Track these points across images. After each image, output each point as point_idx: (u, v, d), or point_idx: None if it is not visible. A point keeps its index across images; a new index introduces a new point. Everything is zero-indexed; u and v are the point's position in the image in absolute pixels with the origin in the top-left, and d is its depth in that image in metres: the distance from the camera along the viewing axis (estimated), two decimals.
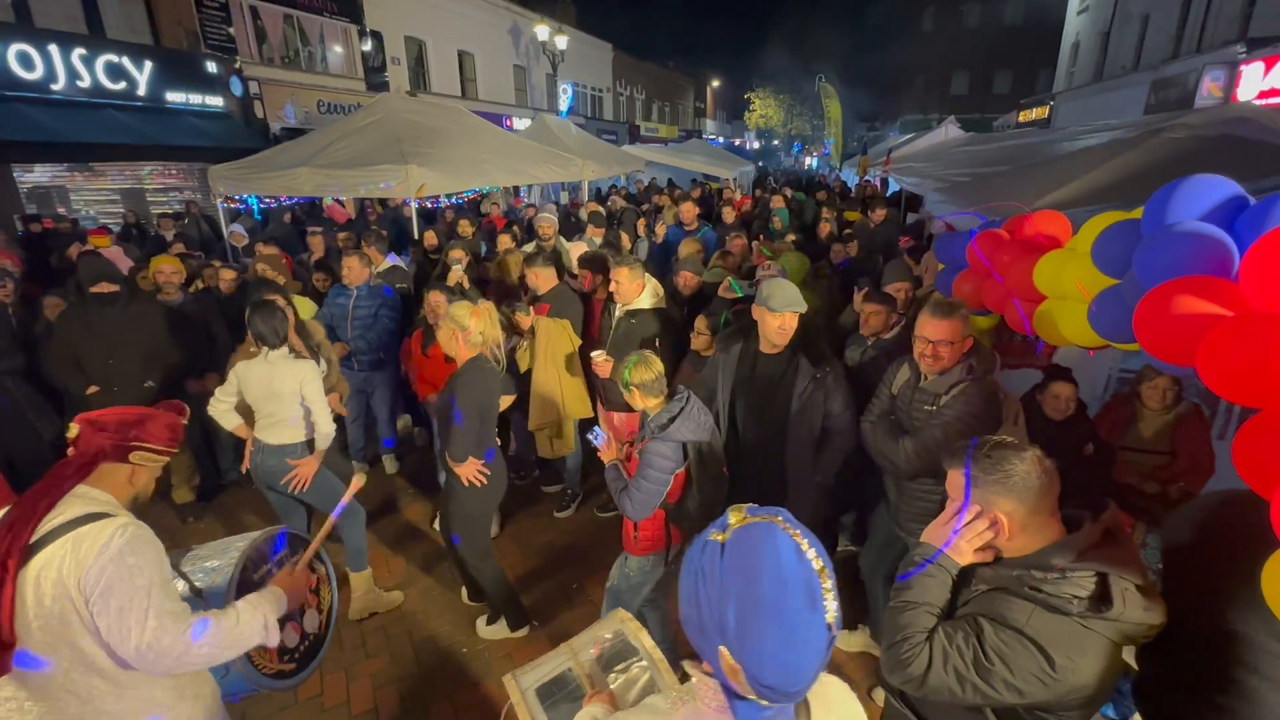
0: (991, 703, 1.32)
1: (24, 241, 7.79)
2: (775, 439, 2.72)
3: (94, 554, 1.37)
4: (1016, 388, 3.43)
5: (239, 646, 1.58)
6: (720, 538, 0.86)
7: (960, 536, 1.38)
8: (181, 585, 1.77)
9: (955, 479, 1.40)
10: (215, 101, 12.61)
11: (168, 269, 4.38)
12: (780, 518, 0.87)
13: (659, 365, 2.40)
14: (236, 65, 12.93)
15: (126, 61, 11.00)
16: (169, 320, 4.07)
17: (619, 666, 1.69)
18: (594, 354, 3.43)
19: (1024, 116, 22.52)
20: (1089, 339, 2.09)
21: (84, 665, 1.43)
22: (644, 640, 1.72)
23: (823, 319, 3.97)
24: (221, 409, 3.08)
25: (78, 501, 1.47)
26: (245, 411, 3.14)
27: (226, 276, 4.80)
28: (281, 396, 3.01)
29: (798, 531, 0.85)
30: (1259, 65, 11.54)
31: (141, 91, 11.27)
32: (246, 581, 1.87)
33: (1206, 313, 1.47)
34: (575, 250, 5.34)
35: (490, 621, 3.23)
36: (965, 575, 1.41)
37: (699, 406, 2.38)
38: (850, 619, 3.23)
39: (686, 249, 5.21)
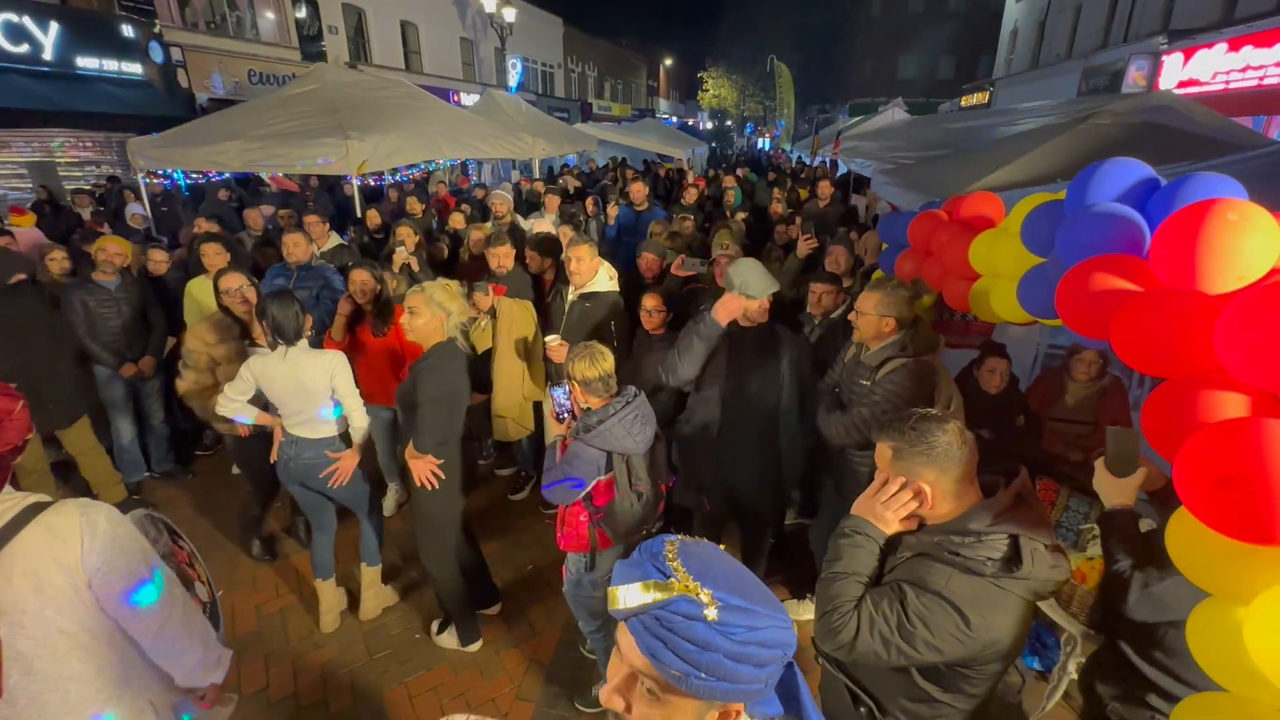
0: (914, 663, 1.39)
1: None
2: (766, 409, 2.78)
3: (80, 535, 1.40)
4: (954, 366, 3.58)
5: (195, 633, 1.64)
6: (709, 609, 0.73)
7: (886, 507, 1.44)
8: None
9: (883, 451, 1.46)
10: (133, 68, 11.75)
11: (112, 248, 4.08)
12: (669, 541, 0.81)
13: (607, 362, 2.24)
14: (155, 29, 12.04)
15: (29, 21, 10.10)
16: (39, 310, 3.71)
17: None
18: (548, 338, 3.38)
19: (966, 101, 23.24)
20: (1019, 315, 2.19)
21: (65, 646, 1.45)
22: None
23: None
24: (235, 407, 2.81)
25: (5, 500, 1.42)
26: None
27: (156, 258, 4.54)
28: (312, 392, 2.77)
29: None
30: (1179, 56, 12.21)
31: (48, 55, 10.39)
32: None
33: (1119, 289, 1.56)
34: (538, 227, 5.20)
35: (441, 629, 3.11)
36: (893, 543, 1.48)
37: (640, 415, 2.22)
38: (800, 589, 3.35)
39: (657, 230, 5.16)
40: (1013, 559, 1.33)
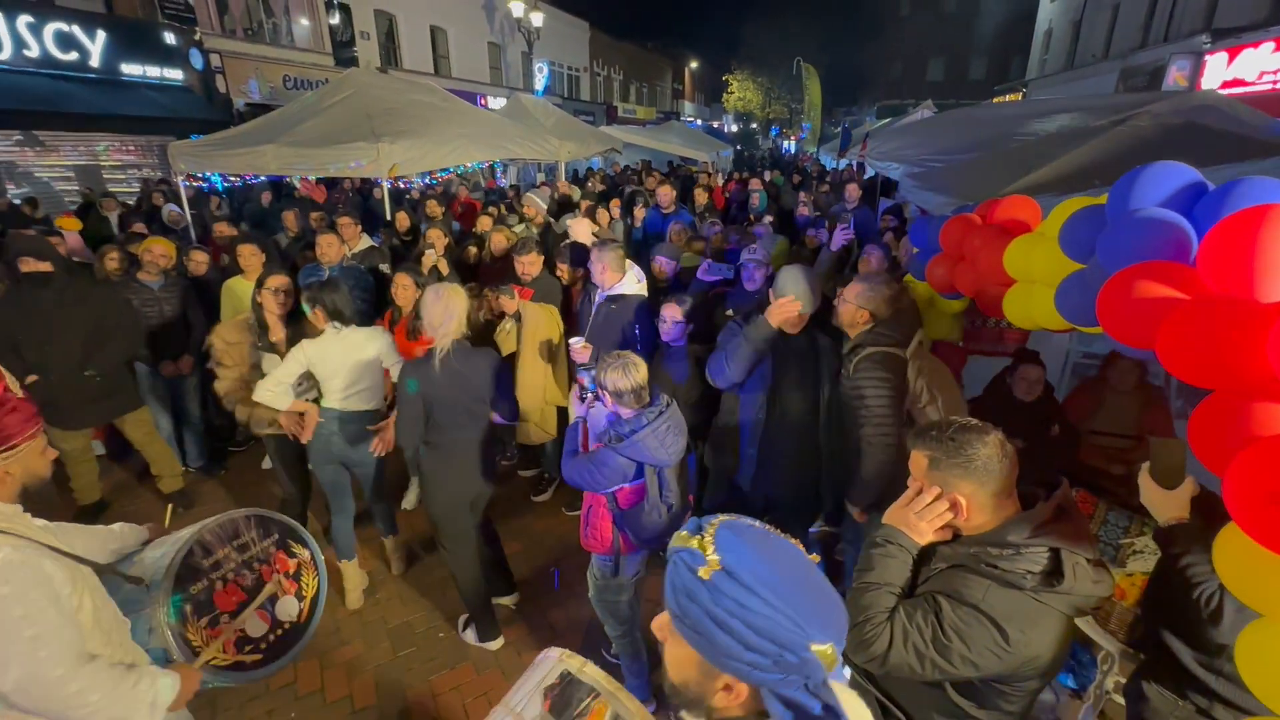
0: (949, 678, 1.36)
1: None
2: (806, 417, 2.80)
3: None
4: (988, 374, 3.51)
5: (121, 711, 1.42)
6: (707, 567, 0.79)
7: (920, 517, 1.41)
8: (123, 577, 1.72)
9: (918, 459, 1.43)
10: (174, 74, 12.11)
11: (157, 249, 4.25)
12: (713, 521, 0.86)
13: (640, 373, 2.20)
14: (196, 36, 12.40)
15: (78, 30, 10.49)
16: (121, 304, 3.89)
17: (577, 711, 1.58)
18: (572, 340, 3.39)
19: (997, 102, 22.81)
20: (1056, 322, 2.13)
21: None
22: (591, 672, 1.63)
23: None
24: (279, 391, 2.98)
25: None
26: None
27: (197, 258, 4.68)
28: (368, 364, 3.09)
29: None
30: (1222, 55, 11.82)
31: (95, 62, 10.77)
32: (194, 568, 1.80)
33: (1165, 296, 1.50)
34: (578, 227, 5.19)
35: (465, 626, 3.18)
36: (926, 553, 1.45)
37: (672, 425, 2.19)
38: None
39: (677, 233, 5.16)
40: (1054, 573, 1.29)
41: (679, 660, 0.85)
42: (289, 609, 2.00)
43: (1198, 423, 1.36)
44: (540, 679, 1.65)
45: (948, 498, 1.38)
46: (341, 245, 4.44)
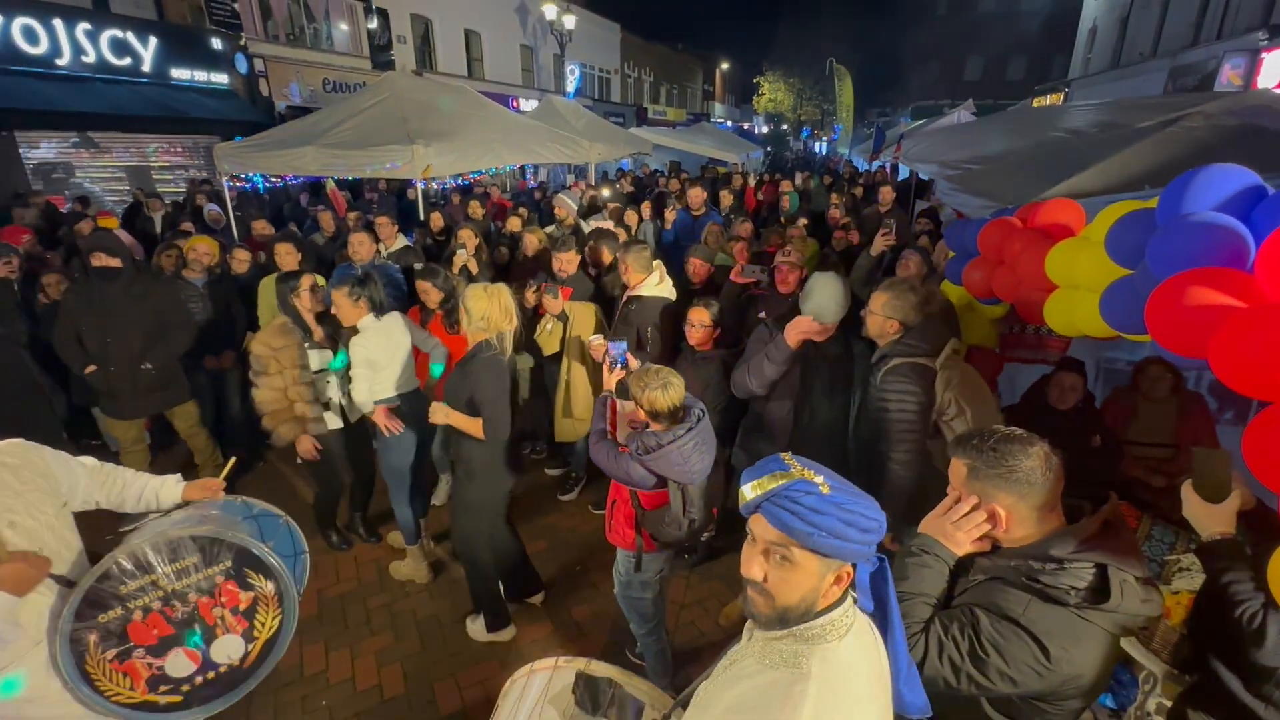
0: (986, 693, 1.32)
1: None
2: (837, 425, 2.76)
3: None
4: (1027, 382, 3.41)
5: None
6: (822, 487, 1.03)
7: (957, 528, 1.37)
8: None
9: (958, 468, 1.39)
10: (220, 78, 12.53)
11: (201, 248, 4.43)
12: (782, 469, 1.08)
13: (678, 392, 2.16)
14: (241, 42, 12.81)
15: (131, 37, 10.92)
16: (177, 300, 4.05)
17: (608, 701, 1.60)
18: (591, 338, 3.38)
19: (1038, 103, 22.18)
20: (1100, 329, 2.07)
21: None
22: (599, 667, 1.64)
23: None
24: (380, 387, 3.23)
25: None
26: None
27: (240, 257, 4.82)
28: (409, 351, 3.33)
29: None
30: None
31: (146, 68, 11.21)
32: (108, 594, 1.62)
33: (1220, 304, 1.45)
34: (605, 229, 5.21)
35: (472, 620, 3.17)
36: (964, 564, 1.41)
37: (699, 443, 2.15)
38: None
39: (714, 234, 5.13)
40: (1100, 590, 1.25)
41: (794, 581, 1.04)
42: (230, 650, 1.77)
43: (1254, 437, 1.30)
44: (542, 689, 1.63)
45: (986, 509, 1.34)
46: (374, 244, 4.52)
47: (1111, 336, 2.20)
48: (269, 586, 1.80)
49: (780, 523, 1.02)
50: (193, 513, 1.88)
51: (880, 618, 1.16)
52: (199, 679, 1.73)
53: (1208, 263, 1.57)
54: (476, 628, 3.14)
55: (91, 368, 3.70)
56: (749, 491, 1.06)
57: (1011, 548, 1.36)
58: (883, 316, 2.51)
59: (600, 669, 1.64)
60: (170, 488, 1.95)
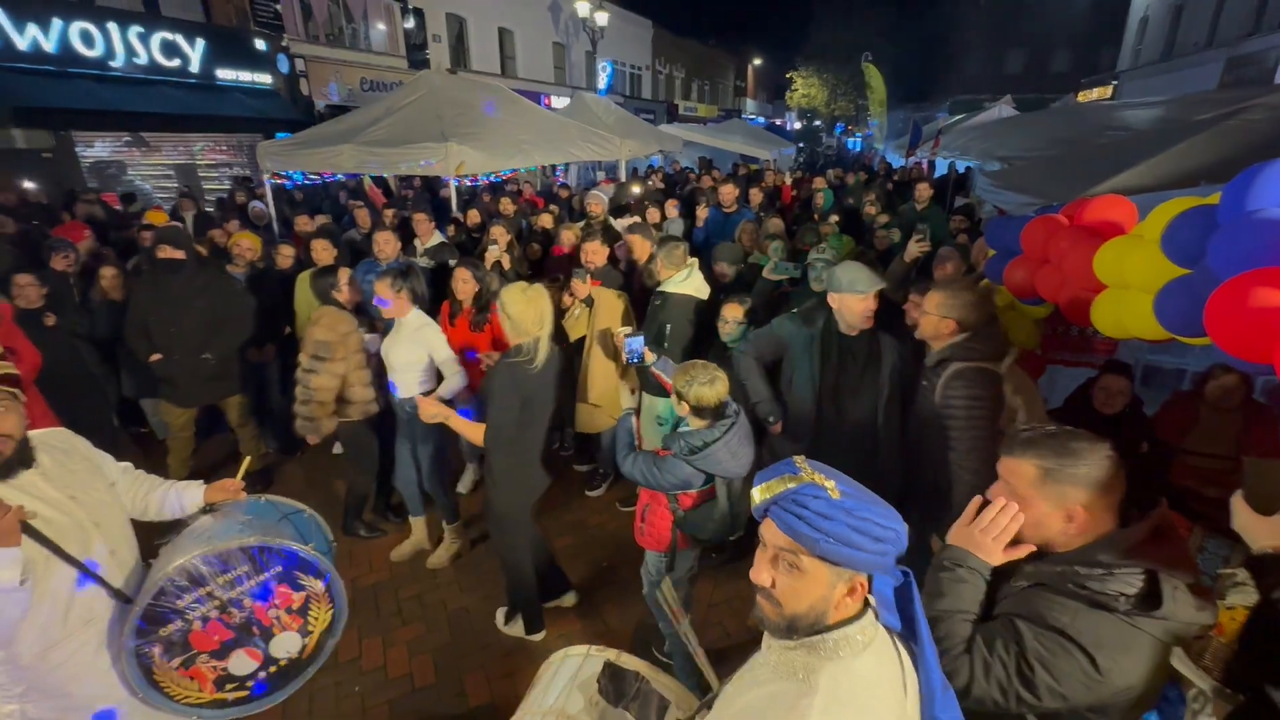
0: (1034, 710, 1.27)
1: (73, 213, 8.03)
2: (864, 420, 2.69)
3: None
4: (1071, 385, 3.30)
5: None
6: (832, 492, 0.99)
7: (986, 534, 1.32)
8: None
9: (1026, 470, 1.32)
10: (263, 78, 12.87)
11: (244, 243, 4.57)
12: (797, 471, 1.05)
13: (724, 387, 2.16)
14: (283, 43, 13.15)
15: (180, 39, 11.30)
16: (236, 293, 4.19)
17: (633, 693, 1.60)
18: (617, 330, 3.36)
19: (1084, 97, 21.43)
20: (1153, 331, 1.98)
21: None
22: (629, 660, 1.65)
23: None
24: (451, 383, 3.40)
25: None
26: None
27: (284, 253, 4.95)
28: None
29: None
30: None
31: (194, 69, 11.59)
32: (166, 610, 1.70)
33: None
34: (625, 225, 5.23)
35: (508, 620, 3.18)
36: (1004, 570, 1.36)
37: (743, 436, 2.17)
38: None
39: (749, 233, 5.10)
40: (1150, 596, 1.20)
41: (802, 589, 1.00)
42: (288, 645, 1.89)
43: None
44: (572, 674, 1.66)
45: (1066, 510, 1.28)
46: (398, 243, 4.58)
47: (1163, 339, 2.11)
48: (318, 584, 1.89)
49: (787, 527, 0.98)
50: (225, 519, 1.91)
51: (909, 635, 1.10)
52: (262, 674, 1.84)
53: (1273, 262, 1.48)
54: (512, 627, 3.14)
55: (156, 356, 3.86)
56: (758, 495, 1.04)
57: (1058, 554, 1.31)
58: (938, 316, 2.40)
59: (630, 662, 1.65)
60: (193, 492, 2.00)
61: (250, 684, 1.84)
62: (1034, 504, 1.30)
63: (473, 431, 2.63)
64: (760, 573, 1.04)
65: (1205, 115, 3.97)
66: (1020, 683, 1.23)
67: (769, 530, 1.03)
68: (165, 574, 1.69)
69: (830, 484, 0.99)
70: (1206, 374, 3.08)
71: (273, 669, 1.87)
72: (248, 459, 2.21)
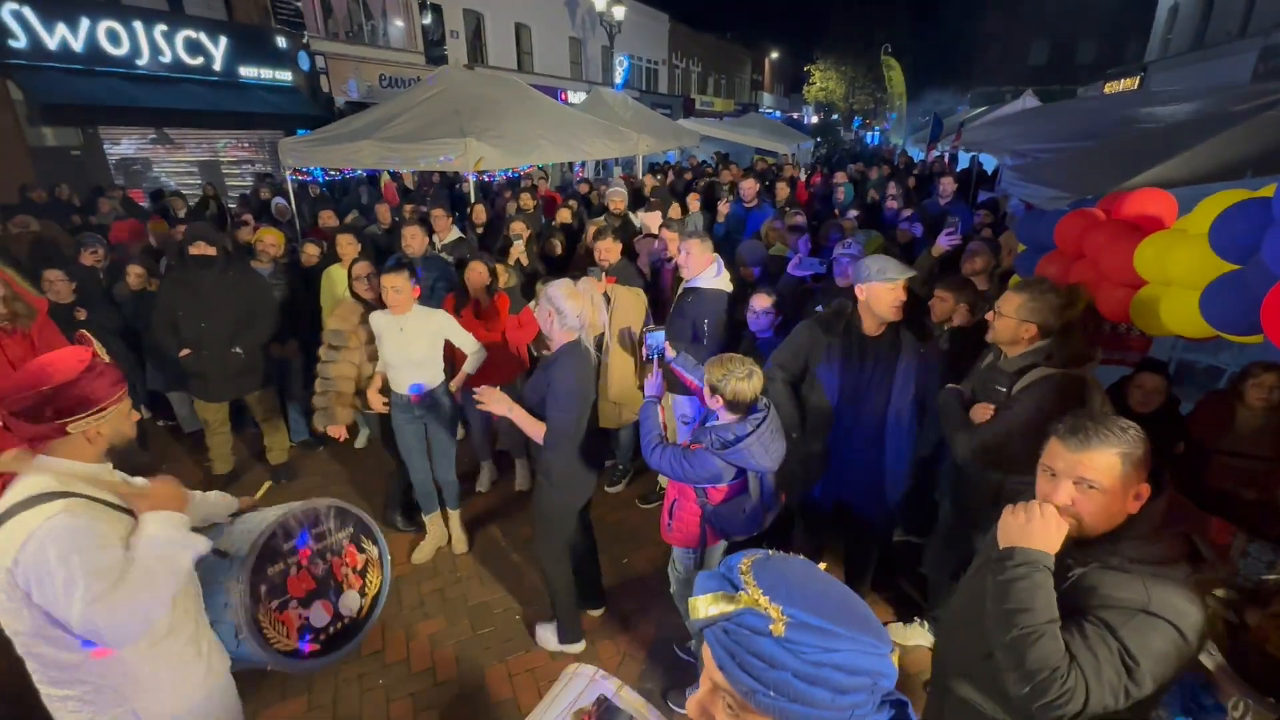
0: (1134, 700, 1.21)
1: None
2: (880, 417, 2.65)
3: (18, 546, 1.35)
4: (1103, 383, 3.23)
5: (168, 577, 1.49)
6: (779, 628, 0.69)
7: (1047, 522, 1.29)
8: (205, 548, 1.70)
9: (1110, 461, 1.29)
10: (284, 76, 13.02)
11: (268, 240, 4.62)
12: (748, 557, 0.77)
13: (760, 381, 2.13)
14: (304, 40, 13.27)
15: (203, 37, 11.46)
16: (264, 288, 4.24)
17: None
18: (645, 329, 3.35)
19: (1110, 88, 20.91)
20: (1196, 328, 1.92)
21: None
22: (628, 697, 1.57)
23: None
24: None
25: (32, 477, 1.45)
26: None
27: (310, 251, 5.00)
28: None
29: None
30: None
31: (217, 66, 11.75)
32: (275, 550, 1.82)
33: None
34: (650, 219, 5.20)
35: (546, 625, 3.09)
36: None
37: (774, 429, 2.15)
38: (907, 611, 3.15)
39: (775, 231, 5.05)
40: (1196, 555, 1.23)
41: None
42: (351, 603, 1.99)
43: None
44: (574, 698, 1.60)
45: (1135, 490, 1.29)
46: (425, 237, 4.59)
47: (1207, 336, 2.04)
48: (375, 551, 2.09)
49: (720, 664, 0.71)
50: (271, 511, 1.96)
51: None
52: (331, 629, 1.95)
53: None
54: (546, 635, 3.05)
55: (186, 351, 3.91)
56: (697, 603, 0.74)
57: (1103, 534, 1.31)
58: (1017, 320, 2.23)
59: (628, 699, 1.57)
60: (228, 498, 2.03)
61: (322, 638, 1.92)
62: (1117, 494, 1.28)
63: (534, 428, 2.53)
64: (694, 706, 0.78)
65: (1242, 106, 3.84)
66: (1131, 678, 1.19)
67: (706, 653, 0.75)
68: (270, 520, 1.81)
69: (775, 611, 0.69)
70: (1243, 373, 2.99)
71: (339, 624, 1.96)
72: (267, 484, 2.28)
